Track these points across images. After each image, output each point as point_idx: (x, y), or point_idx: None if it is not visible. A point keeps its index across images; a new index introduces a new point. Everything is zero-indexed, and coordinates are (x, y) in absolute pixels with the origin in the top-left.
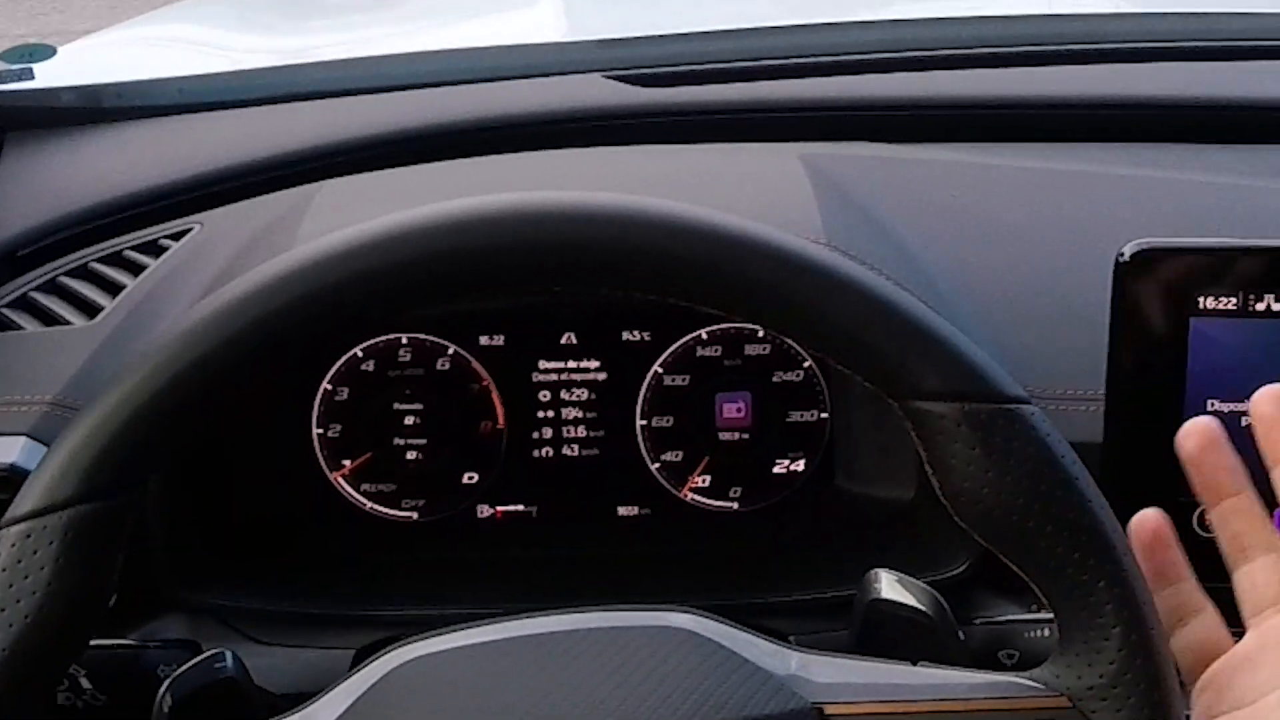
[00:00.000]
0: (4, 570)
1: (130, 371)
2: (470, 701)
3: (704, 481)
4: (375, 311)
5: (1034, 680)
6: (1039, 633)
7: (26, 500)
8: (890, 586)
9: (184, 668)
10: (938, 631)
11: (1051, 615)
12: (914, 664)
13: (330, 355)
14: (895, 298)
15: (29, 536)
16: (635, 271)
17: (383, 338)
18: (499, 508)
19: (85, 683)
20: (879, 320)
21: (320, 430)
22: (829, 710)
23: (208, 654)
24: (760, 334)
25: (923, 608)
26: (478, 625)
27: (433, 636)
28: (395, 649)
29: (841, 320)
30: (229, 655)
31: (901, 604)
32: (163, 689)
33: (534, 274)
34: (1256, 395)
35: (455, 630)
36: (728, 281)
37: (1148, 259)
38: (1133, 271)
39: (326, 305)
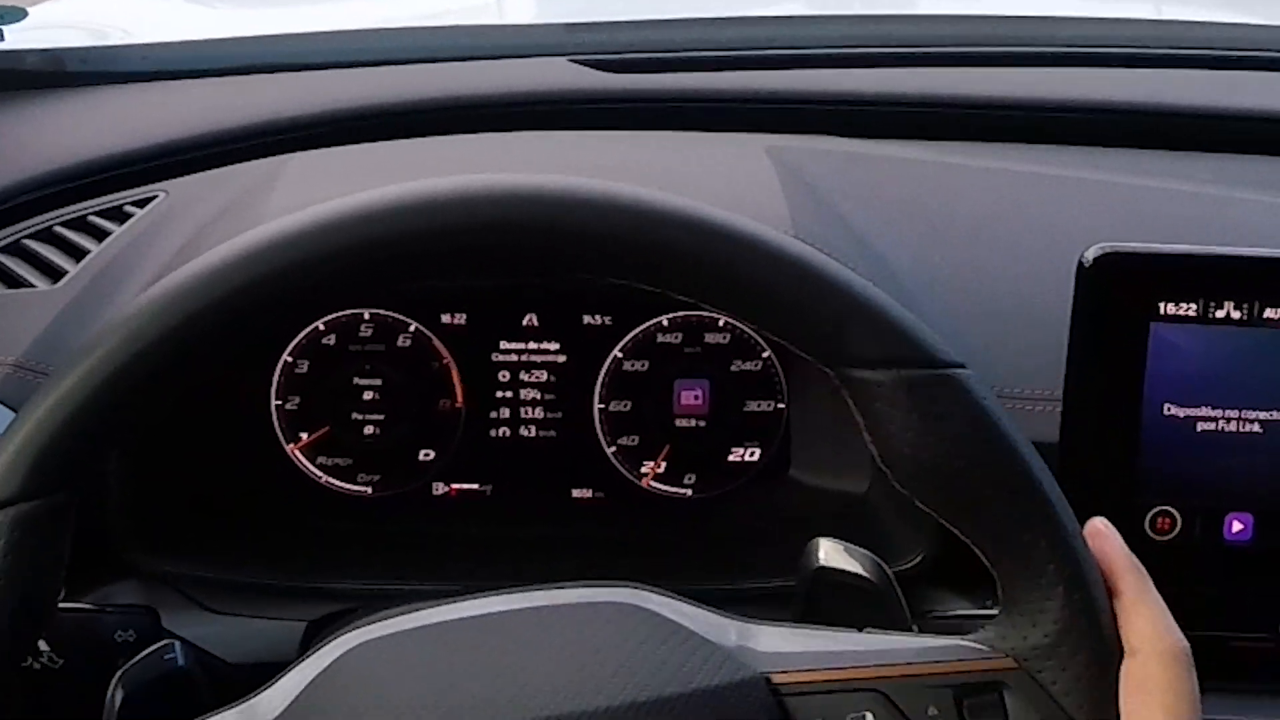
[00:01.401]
0: None
1: (72, 365)
2: (418, 686)
3: (660, 467)
4: (336, 292)
5: (979, 643)
6: None
7: None
8: (832, 554)
9: (133, 661)
10: (882, 596)
11: (1002, 608)
12: (860, 630)
13: (291, 328)
14: (828, 267)
15: None
16: (567, 251)
17: (345, 312)
18: (454, 485)
19: (43, 645)
20: (813, 290)
21: (279, 402)
22: (776, 679)
23: (156, 646)
24: (721, 323)
25: (865, 574)
26: (422, 607)
27: (378, 620)
28: (342, 634)
29: (776, 290)
30: (177, 646)
31: (844, 570)
32: (113, 683)
33: (470, 256)
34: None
35: (400, 612)
36: (663, 257)
37: (1110, 263)
38: (1095, 275)
39: (281, 288)
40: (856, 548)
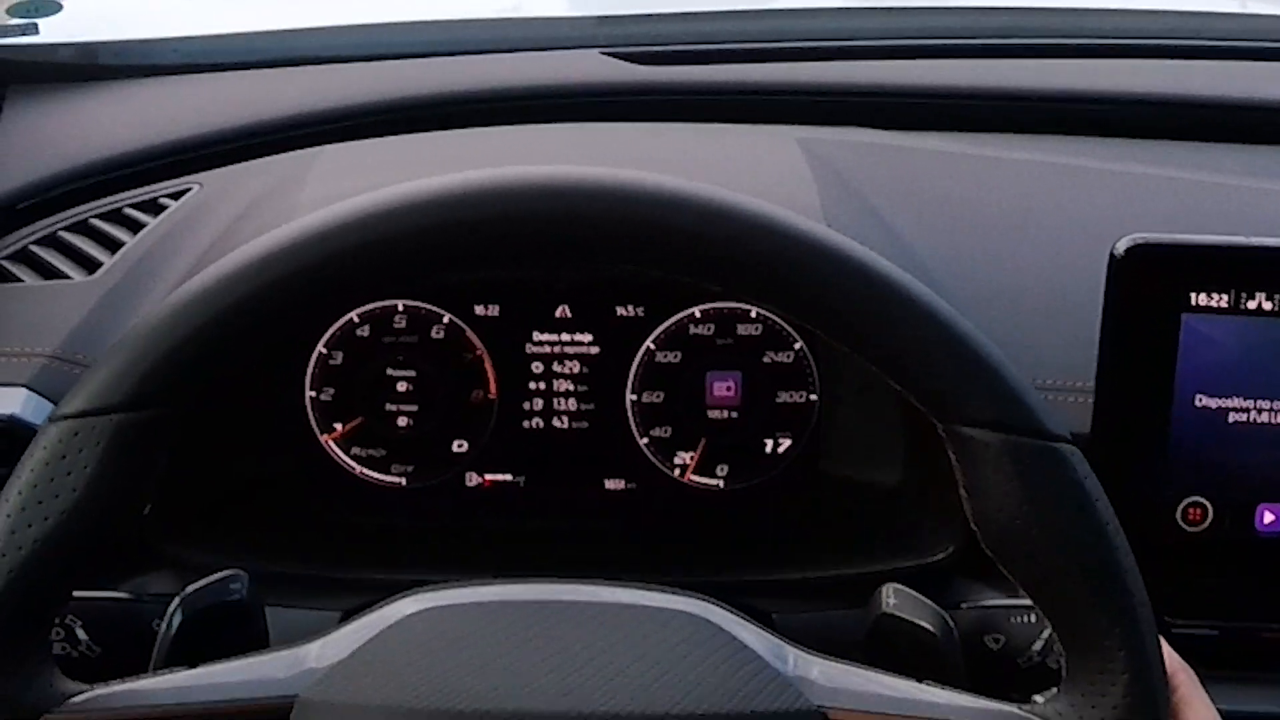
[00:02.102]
0: (46, 464)
1: (198, 286)
2: (477, 659)
3: (691, 458)
4: (432, 269)
5: (1036, 715)
6: (1024, 618)
7: (76, 399)
8: (899, 602)
9: (197, 585)
10: (942, 651)
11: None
12: (919, 681)
13: (326, 319)
14: (953, 320)
15: (76, 434)
16: (704, 262)
17: (379, 304)
18: (487, 476)
19: (81, 633)
20: (934, 341)
21: (313, 393)
22: (833, 715)
23: (223, 574)
24: (753, 314)
25: (929, 626)
26: (493, 582)
27: (447, 588)
28: (413, 594)
29: (896, 337)
30: (244, 577)
31: (908, 620)
32: (173, 604)
33: (604, 251)
34: None
35: (472, 584)
36: (792, 283)
37: (1141, 254)
38: (1126, 266)
39: (390, 255)
40: (923, 599)
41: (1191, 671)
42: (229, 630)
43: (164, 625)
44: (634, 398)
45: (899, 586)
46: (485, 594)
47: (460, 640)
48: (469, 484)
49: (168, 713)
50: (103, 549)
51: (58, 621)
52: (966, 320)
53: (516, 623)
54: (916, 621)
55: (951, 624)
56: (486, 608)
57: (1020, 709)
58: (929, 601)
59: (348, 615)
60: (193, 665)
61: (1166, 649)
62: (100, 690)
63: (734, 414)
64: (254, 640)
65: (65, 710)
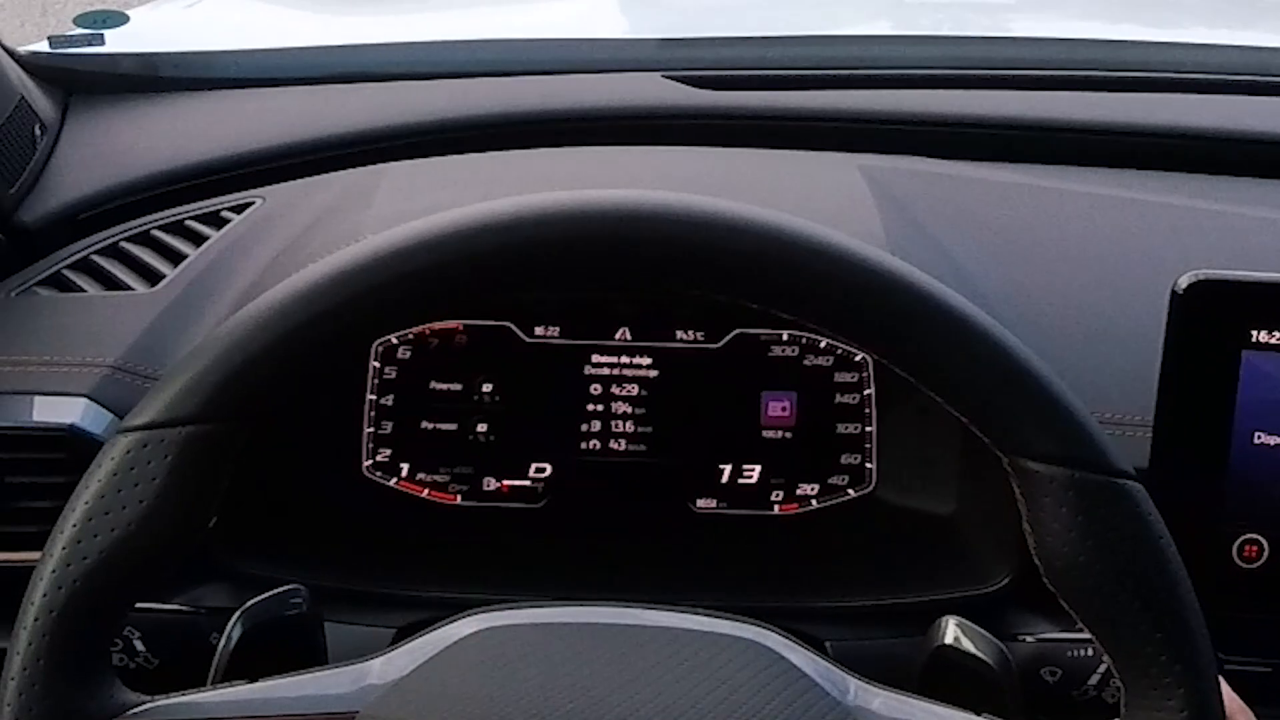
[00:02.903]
0: (114, 475)
1: (272, 301)
2: (537, 680)
3: (746, 483)
4: (504, 288)
5: None
6: (1082, 652)
7: (146, 411)
8: (957, 635)
9: (257, 599)
10: (1000, 685)
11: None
12: (977, 714)
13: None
14: (1019, 352)
15: (145, 446)
16: (769, 288)
17: (438, 325)
18: (543, 497)
19: (139, 644)
20: (999, 373)
21: (372, 411)
22: None
23: (284, 589)
24: (812, 339)
25: (987, 659)
26: (554, 604)
27: (509, 609)
28: (474, 614)
29: (961, 368)
30: (304, 591)
31: (967, 653)
32: (234, 618)
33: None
34: None
35: (532, 606)
36: (856, 310)
37: (1203, 290)
38: (1187, 302)
39: (464, 274)
40: (982, 632)
41: (1251, 715)
42: (288, 645)
43: (224, 638)
44: (692, 422)
45: (959, 619)
46: (545, 616)
47: (519, 662)
48: (524, 504)
49: None
50: (167, 562)
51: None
52: (1032, 352)
53: (576, 645)
54: (976, 654)
55: (1009, 657)
56: (546, 629)
57: None
58: (988, 635)
59: (404, 632)
60: (252, 679)
61: (1226, 689)
62: (161, 701)
63: (789, 435)
64: (312, 655)
65: None
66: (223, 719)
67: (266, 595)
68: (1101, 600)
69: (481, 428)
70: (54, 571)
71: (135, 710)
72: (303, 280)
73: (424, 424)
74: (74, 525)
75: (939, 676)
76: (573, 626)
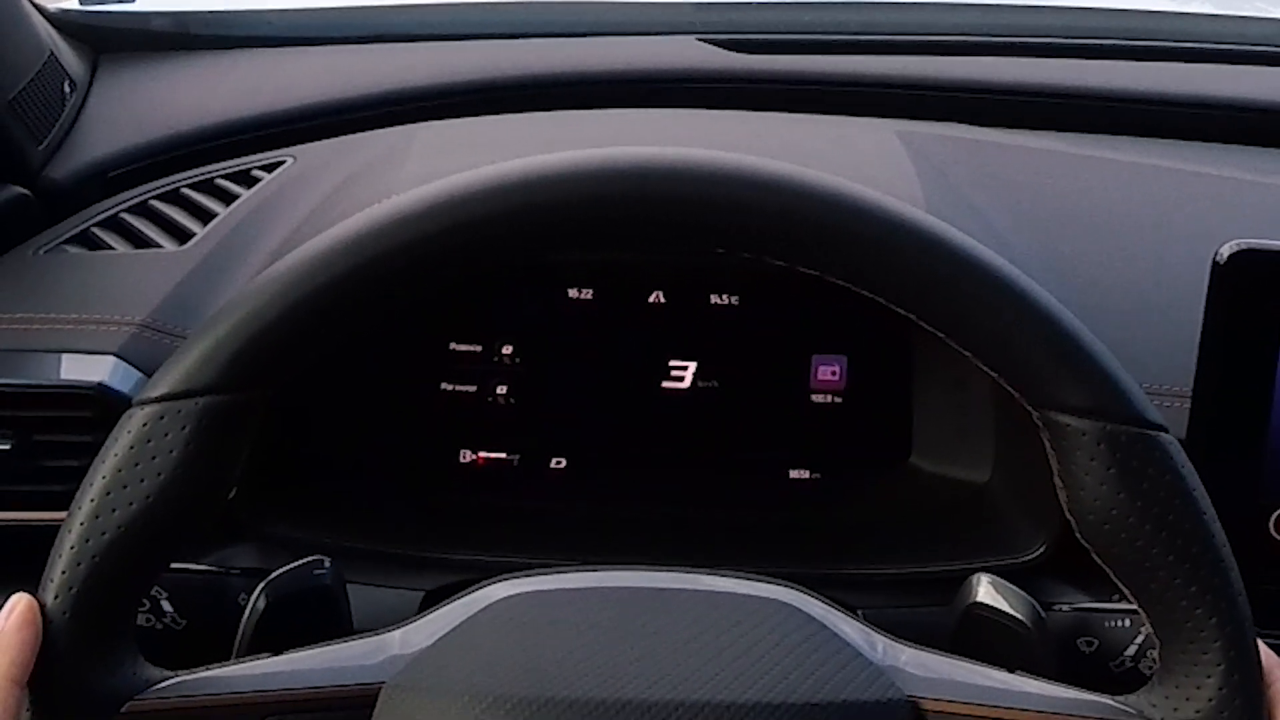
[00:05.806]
0: (131, 448)
1: (286, 268)
2: (568, 645)
3: (787, 449)
4: (528, 249)
5: (1130, 707)
6: (1119, 622)
7: (162, 383)
8: (989, 592)
9: (281, 570)
10: (1033, 642)
11: (1131, 606)
12: (1011, 671)
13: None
14: (1050, 306)
15: (162, 418)
16: (801, 245)
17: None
18: (576, 460)
19: (167, 605)
20: (1030, 326)
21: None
22: (924, 705)
23: (308, 560)
24: (848, 303)
25: (1020, 616)
26: (584, 569)
27: (538, 575)
28: (504, 580)
29: (991, 321)
30: (329, 563)
31: (999, 610)
32: (258, 589)
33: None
34: None
35: (564, 570)
36: (889, 267)
37: (1244, 261)
38: (1229, 273)
39: (484, 236)
40: (1014, 589)
41: None
42: (313, 615)
43: (248, 610)
44: (729, 384)
45: (991, 576)
46: (577, 580)
47: (551, 627)
48: (555, 466)
49: (252, 700)
50: (186, 534)
51: None
52: (1062, 306)
53: (608, 609)
54: (1009, 611)
55: (1042, 615)
56: (578, 594)
57: (1115, 700)
58: (1021, 592)
59: (432, 595)
60: (277, 651)
61: (1262, 645)
62: (185, 676)
63: (837, 399)
64: (337, 624)
65: (148, 696)
66: (247, 693)
67: (290, 566)
68: (1135, 553)
69: (513, 391)
70: (72, 547)
71: (158, 686)
72: (317, 245)
73: (444, 386)
74: (91, 500)
75: (970, 635)
76: (603, 591)
